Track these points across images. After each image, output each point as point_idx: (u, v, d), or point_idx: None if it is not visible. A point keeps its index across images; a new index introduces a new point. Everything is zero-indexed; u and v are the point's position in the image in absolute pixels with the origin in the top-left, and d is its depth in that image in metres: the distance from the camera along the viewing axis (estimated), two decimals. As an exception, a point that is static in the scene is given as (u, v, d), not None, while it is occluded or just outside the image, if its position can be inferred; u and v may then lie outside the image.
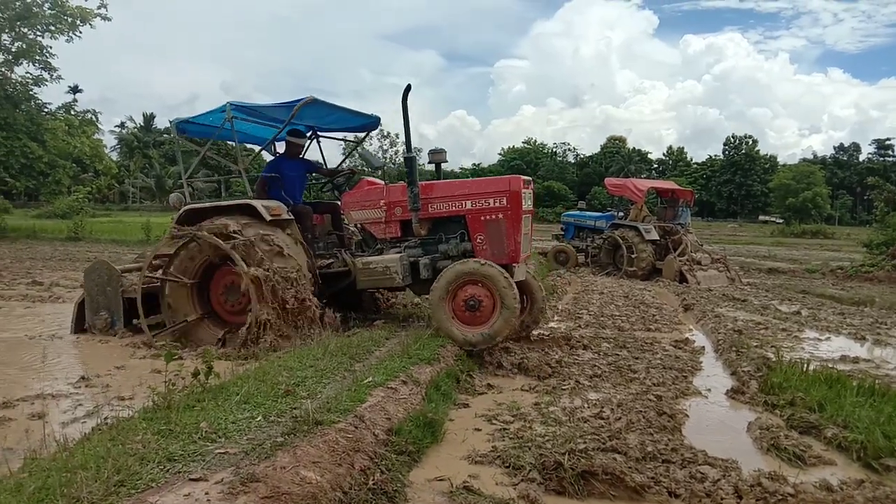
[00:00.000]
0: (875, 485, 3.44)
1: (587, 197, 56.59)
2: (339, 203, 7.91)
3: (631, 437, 4.04)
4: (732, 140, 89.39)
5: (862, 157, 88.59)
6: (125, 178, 64.79)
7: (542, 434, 4.11)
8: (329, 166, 8.71)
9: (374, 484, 3.09)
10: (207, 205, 7.25)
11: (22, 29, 23.73)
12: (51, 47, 24.66)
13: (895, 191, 27.01)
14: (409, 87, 6.50)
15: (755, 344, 7.07)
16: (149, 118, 77.35)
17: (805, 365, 5.61)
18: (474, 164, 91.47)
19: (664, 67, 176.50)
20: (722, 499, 3.30)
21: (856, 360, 6.85)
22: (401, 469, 3.42)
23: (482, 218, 6.59)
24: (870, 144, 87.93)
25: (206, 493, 2.43)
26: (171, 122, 7.45)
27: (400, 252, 6.90)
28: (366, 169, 8.68)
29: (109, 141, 68.26)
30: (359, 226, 7.71)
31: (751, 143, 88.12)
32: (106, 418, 3.63)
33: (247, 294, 6.48)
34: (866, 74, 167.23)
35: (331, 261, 7.31)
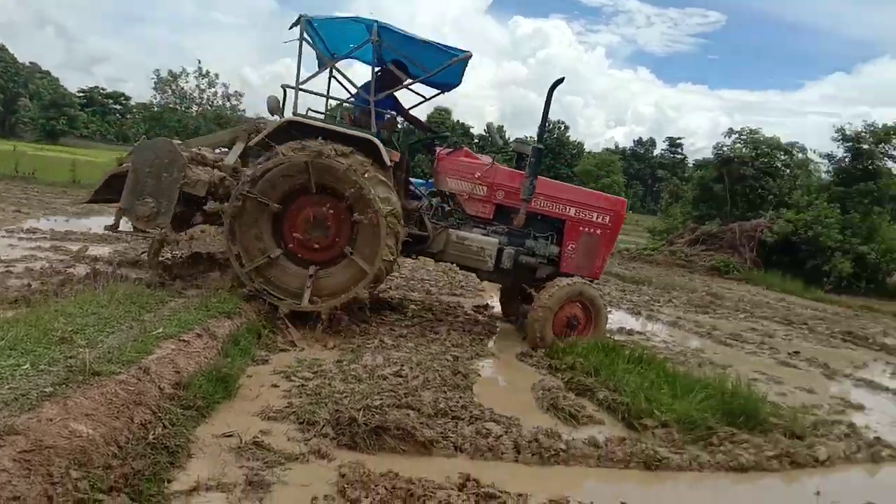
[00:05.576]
0: (633, 441, 3.89)
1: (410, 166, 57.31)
2: (409, 160, 7.16)
3: (426, 395, 4.20)
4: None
5: (656, 152, 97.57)
6: None
7: (341, 391, 4.13)
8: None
9: (154, 438, 2.93)
10: (318, 124, 5.97)
11: None
12: None
13: (679, 184, 30.25)
14: (560, 80, 6.34)
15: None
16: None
17: (587, 333, 6.16)
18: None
19: (493, 46, 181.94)
20: (503, 453, 3.55)
21: (630, 332, 7.65)
22: (186, 424, 3.26)
23: (581, 228, 6.61)
24: (664, 141, 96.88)
25: (-52, 448, 2.15)
26: (301, 16, 5.86)
27: (486, 234, 6.55)
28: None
29: None
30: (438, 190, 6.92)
31: (563, 128, 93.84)
32: None
33: (336, 230, 5.78)
34: (668, 77, 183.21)
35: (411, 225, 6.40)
